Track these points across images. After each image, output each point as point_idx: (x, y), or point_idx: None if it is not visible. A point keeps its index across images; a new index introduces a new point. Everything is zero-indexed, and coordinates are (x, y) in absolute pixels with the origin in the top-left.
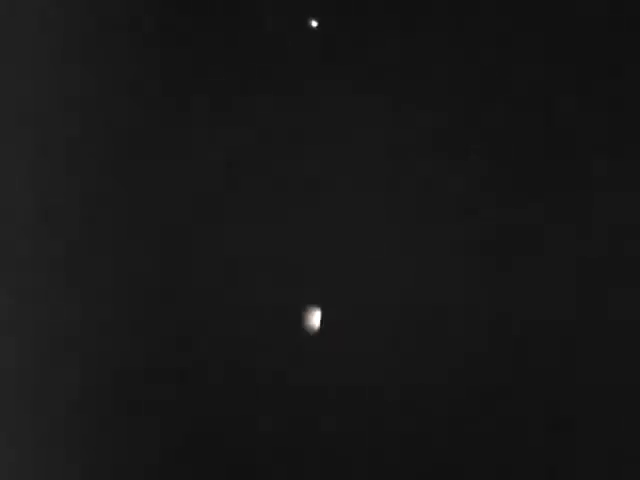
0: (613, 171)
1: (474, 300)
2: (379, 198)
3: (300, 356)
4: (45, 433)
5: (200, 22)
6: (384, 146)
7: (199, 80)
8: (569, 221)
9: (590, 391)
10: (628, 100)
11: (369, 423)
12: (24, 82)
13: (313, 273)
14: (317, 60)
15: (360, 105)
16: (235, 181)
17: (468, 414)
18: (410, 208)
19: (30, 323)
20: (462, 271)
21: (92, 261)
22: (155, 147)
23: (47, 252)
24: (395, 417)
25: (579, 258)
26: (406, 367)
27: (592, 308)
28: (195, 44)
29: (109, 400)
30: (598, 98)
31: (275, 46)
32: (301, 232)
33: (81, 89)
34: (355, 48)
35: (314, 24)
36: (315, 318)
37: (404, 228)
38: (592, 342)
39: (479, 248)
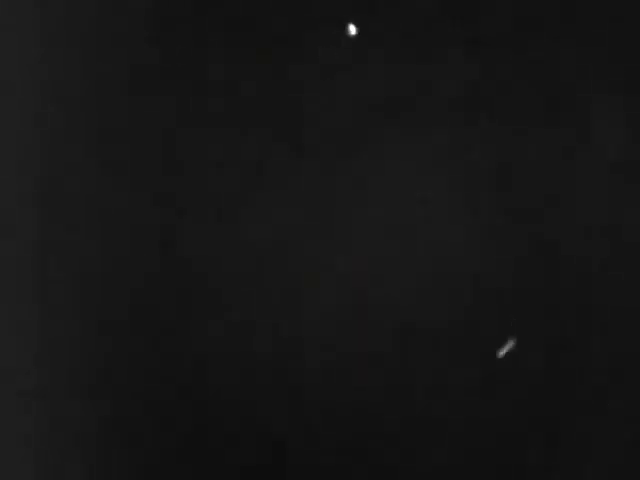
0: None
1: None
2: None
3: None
4: (45, 433)
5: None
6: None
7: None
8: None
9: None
10: None
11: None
12: (24, 81)
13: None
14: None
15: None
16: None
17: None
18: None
19: (31, 324)
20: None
21: (92, 259)
22: (155, 145)
23: (47, 249)
24: (397, 419)
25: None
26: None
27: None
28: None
29: (109, 399)
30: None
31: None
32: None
33: (80, 87)
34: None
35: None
36: None
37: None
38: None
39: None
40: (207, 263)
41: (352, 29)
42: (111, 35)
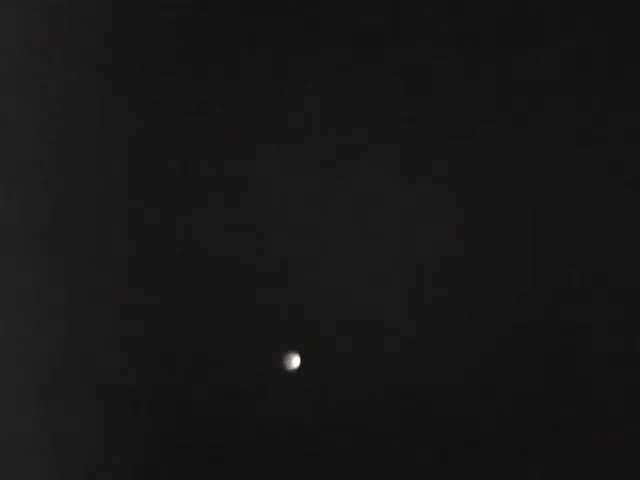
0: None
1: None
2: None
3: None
4: (45, 431)
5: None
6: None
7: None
8: None
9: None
10: None
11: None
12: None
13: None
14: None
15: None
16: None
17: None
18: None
19: (31, 323)
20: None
21: (92, 259)
22: (154, 145)
23: (48, 249)
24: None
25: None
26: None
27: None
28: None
29: (109, 398)
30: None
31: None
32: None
33: (80, 88)
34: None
35: None
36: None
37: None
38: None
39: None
40: (207, 263)
41: None
42: (114, 40)
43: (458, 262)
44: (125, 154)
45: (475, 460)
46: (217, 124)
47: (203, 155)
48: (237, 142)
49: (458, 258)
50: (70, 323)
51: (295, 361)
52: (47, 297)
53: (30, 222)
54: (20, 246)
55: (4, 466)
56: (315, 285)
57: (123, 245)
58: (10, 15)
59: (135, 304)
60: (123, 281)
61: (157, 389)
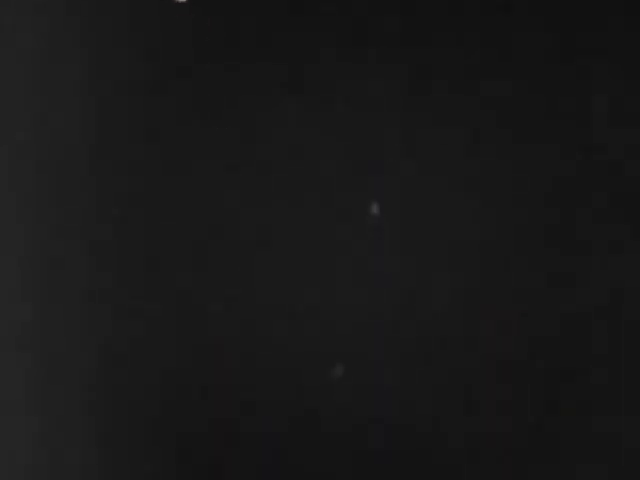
0: None
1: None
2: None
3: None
4: (45, 432)
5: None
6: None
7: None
8: None
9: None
10: None
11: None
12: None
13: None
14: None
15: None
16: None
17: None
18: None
19: (31, 320)
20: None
21: (93, 262)
22: (157, 147)
23: (48, 251)
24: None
25: None
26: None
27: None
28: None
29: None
30: None
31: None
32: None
33: (81, 88)
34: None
35: None
36: None
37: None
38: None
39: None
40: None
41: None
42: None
43: (461, 260)
44: (125, 154)
45: (479, 460)
46: (218, 124)
47: (204, 155)
48: (237, 141)
49: (462, 254)
50: (70, 323)
51: None
52: (47, 297)
53: (29, 222)
54: (18, 245)
55: (4, 466)
56: (317, 286)
57: (123, 245)
58: (10, 15)
59: (138, 305)
60: (125, 282)
61: (161, 390)
